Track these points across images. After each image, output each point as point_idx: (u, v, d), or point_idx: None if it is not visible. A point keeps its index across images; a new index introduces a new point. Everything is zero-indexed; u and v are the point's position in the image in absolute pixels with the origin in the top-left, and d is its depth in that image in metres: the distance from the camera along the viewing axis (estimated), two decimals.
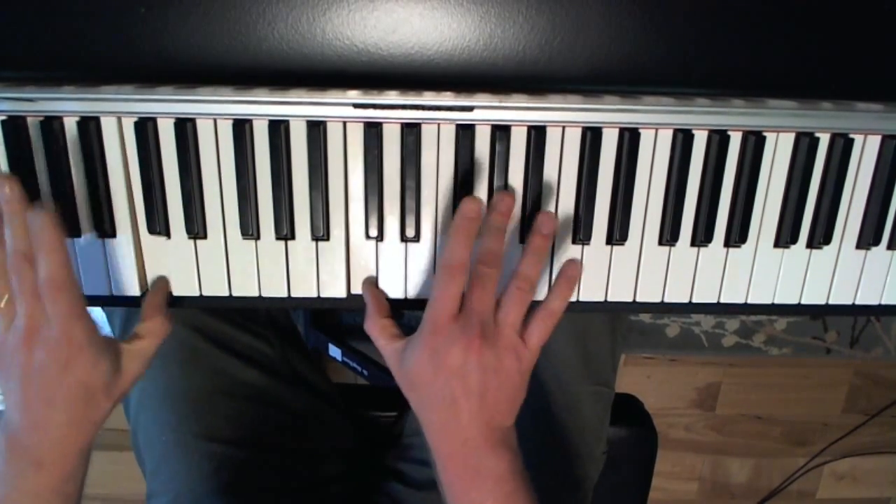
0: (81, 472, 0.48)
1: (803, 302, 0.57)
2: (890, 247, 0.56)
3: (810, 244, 0.56)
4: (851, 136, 0.53)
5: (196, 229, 0.52)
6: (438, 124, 0.51)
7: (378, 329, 0.52)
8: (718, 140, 0.52)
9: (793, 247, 0.56)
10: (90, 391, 0.46)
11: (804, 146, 0.53)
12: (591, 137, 0.51)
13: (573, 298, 0.55)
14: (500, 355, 0.47)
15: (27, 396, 0.45)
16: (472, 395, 0.46)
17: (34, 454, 0.45)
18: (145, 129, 0.50)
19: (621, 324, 0.71)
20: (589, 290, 0.56)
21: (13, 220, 0.45)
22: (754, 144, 0.53)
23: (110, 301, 0.54)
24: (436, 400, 0.47)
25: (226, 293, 0.54)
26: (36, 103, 0.49)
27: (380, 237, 0.53)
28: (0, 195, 0.45)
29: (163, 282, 0.53)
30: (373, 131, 0.50)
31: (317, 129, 0.50)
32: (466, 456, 0.47)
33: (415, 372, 0.48)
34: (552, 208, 0.53)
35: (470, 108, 0.50)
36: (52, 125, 0.49)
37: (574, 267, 0.52)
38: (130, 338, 0.50)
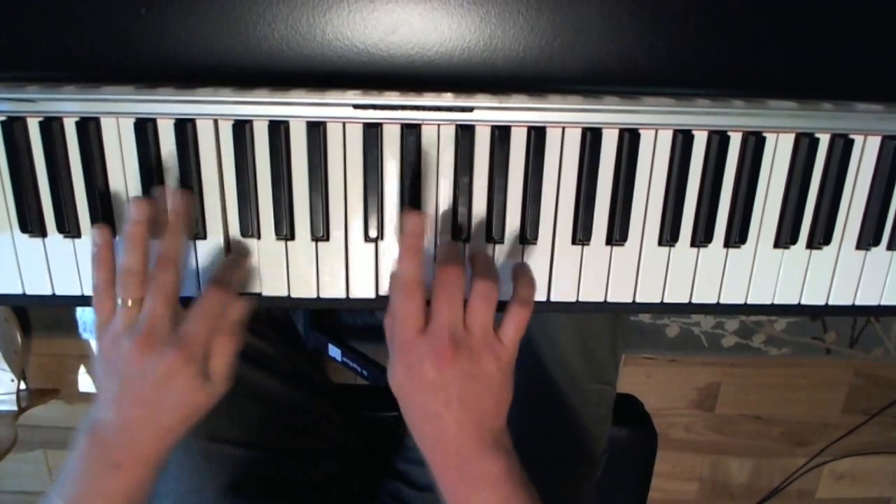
0: (152, 482, 0.49)
1: (803, 302, 0.57)
2: (890, 247, 0.56)
3: (810, 244, 0.56)
4: (851, 136, 0.53)
5: (196, 230, 0.52)
6: (438, 125, 0.51)
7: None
8: (718, 140, 0.52)
9: (793, 247, 0.56)
10: (181, 403, 0.47)
11: (804, 147, 0.53)
12: (591, 138, 0.52)
13: (573, 299, 0.55)
14: (475, 359, 0.46)
15: (125, 396, 0.47)
16: (455, 405, 0.46)
17: (116, 456, 0.46)
18: (145, 130, 0.50)
19: (622, 323, 0.71)
20: (589, 291, 0.56)
21: (173, 229, 0.48)
22: (754, 145, 0.53)
23: None
24: (421, 414, 0.47)
25: None
26: (36, 103, 0.49)
27: (380, 237, 0.53)
28: (171, 204, 0.48)
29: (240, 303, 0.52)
30: (373, 132, 0.50)
31: (317, 130, 0.50)
32: (461, 464, 0.46)
33: (395, 389, 0.48)
34: (552, 209, 0.53)
35: (470, 109, 0.50)
36: (51, 125, 0.49)
37: (522, 264, 0.53)
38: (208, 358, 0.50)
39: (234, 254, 0.53)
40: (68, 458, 0.47)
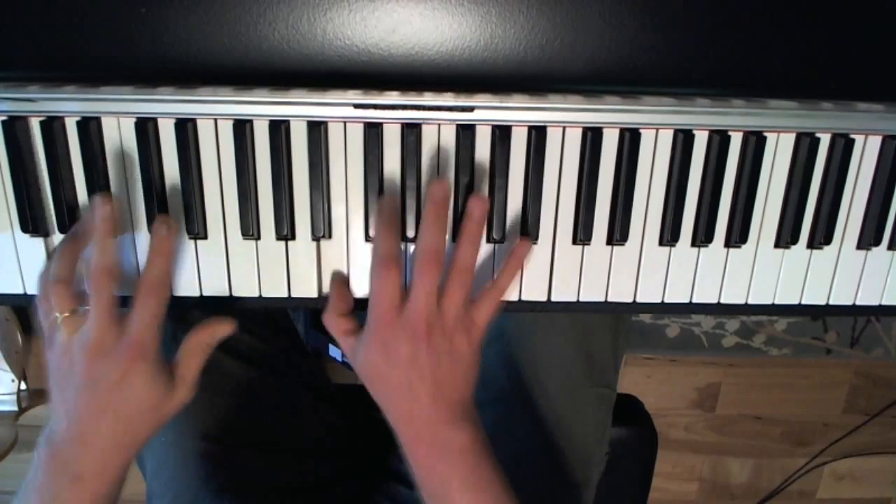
0: (117, 492, 0.49)
1: (804, 302, 0.57)
2: (890, 247, 0.56)
3: (811, 244, 0.56)
4: (852, 136, 0.53)
5: (196, 229, 0.52)
6: (439, 124, 0.51)
7: (334, 325, 0.53)
8: (719, 140, 0.52)
9: (793, 247, 0.56)
10: (141, 408, 0.47)
11: (805, 146, 0.53)
12: (592, 138, 0.51)
13: (573, 299, 0.55)
14: (448, 337, 0.48)
15: (80, 406, 0.46)
16: (428, 380, 0.47)
17: (75, 468, 0.46)
18: (146, 130, 0.50)
19: (623, 325, 0.71)
20: (589, 291, 0.55)
21: (104, 237, 0.47)
22: (755, 145, 0.53)
23: None
24: (394, 390, 0.49)
25: (226, 293, 0.54)
26: (37, 103, 0.49)
27: None
28: (97, 212, 0.47)
29: (218, 327, 0.52)
30: (373, 131, 0.50)
31: (317, 130, 0.50)
32: (430, 434, 0.48)
33: (369, 367, 0.50)
34: (552, 208, 0.53)
35: (470, 109, 0.50)
36: (52, 125, 0.49)
37: (524, 245, 0.52)
38: (176, 363, 0.50)
39: (154, 242, 0.49)
40: (29, 471, 0.47)
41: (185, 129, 0.50)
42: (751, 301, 0.57)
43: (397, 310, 0.48)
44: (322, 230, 0.52)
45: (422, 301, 0.47)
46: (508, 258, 0.52)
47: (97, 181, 0.51)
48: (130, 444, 0.48)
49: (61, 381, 0.47)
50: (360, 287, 0.55)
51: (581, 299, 0.55)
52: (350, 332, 0.52)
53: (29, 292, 0.53)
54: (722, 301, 0.57)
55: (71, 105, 0.49)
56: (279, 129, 0.50)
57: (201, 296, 0.54)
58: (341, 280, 0.54)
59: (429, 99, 0.49)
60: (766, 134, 0.53)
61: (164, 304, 0.48)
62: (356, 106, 0.49)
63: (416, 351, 0.47)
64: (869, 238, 0.56)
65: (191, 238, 0.52)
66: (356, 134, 0.51)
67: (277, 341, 0.72)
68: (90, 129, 0.49)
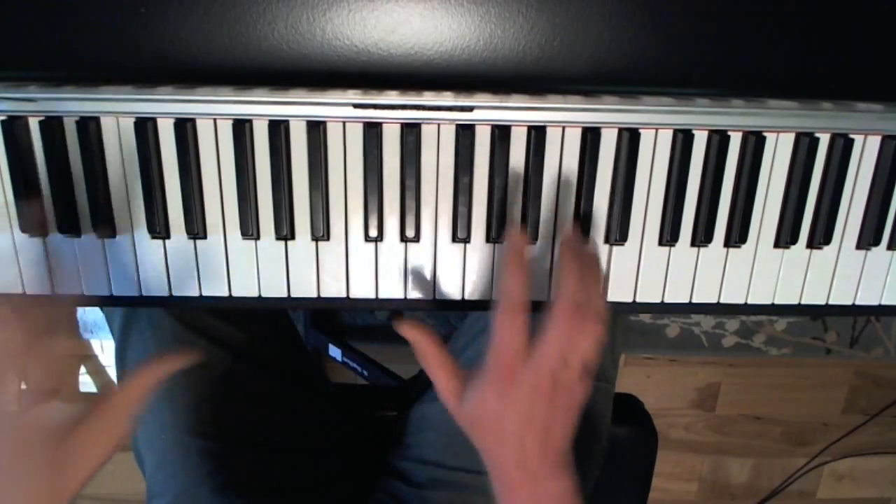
0: None
1: (803, 302, 0.57)
2: (890, 247, 0.56)
3: (810, 244, 0.56)
4: (851, 136, 0.53)
5: (196, 229, 0.52)
6: (438, 124, 0.51)
7: (438, 382, 0.49)
8: (718, 140, 0.52)
9: (793, 247, 0.56)
10: (30, 499, 0.43)
11: (804, 146, 0.53)
12: (591, 137, 0.52)
13: None
14: (569, 394, 0.46)
15: None
16: (542, 433, 0.45)
17: None
18: (145, 130, 0.50)
19: (620, 321, 0.71)
20: None
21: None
22: (754, 145, 0.53)
23: (110, 301, 0.54)
24: (502, 438, 0.46)
25: (226, 293, 0.54)
26: (36, 103, 0.49)
27: (379, 237, 0.53)
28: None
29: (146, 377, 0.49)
30: (373, 131, 0.50)
31: (317, 130, 0.50)
32: (535, 484, 0.46)
33: (480, 415, 0.47)
34: (552, 209, 0.53)
35: (470, 109, 0.50)
36: (52, 125, 0.49)
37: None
38: (85, 417, 0.47)
39: None
40: None
41: (185, 129, 0.50)
42: (750, 301, 0.57)
43: (521, 360, 0.45)
44: (321, 230, 0.52)
45: (552, 357, 0.45)
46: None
47: (96, 181, 0.51)
48: None
49: None
50: (360, 288, 0.55)
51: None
52: (455, 377, 0.49)
53: (28, 292, 0.53)
54: (721, 301, 0.57)
55: (70, 105, 0.49)
56: (278, 129, 0.50)
57: (200, 296, 0.54)
58: (414, 324, 0.51)
59: (428, 99, 0.49)
60: (765, 134, 0.53)
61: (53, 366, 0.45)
62: (355, 106, 0.49)
63: (533, 406, 0.45)
64: (868, 238, 0.56)
65: (190, 238, 0.52)
66: (356, 134, 0.51)
67: (277, 341, 0.72)
68: (89, 128, 0.49)
